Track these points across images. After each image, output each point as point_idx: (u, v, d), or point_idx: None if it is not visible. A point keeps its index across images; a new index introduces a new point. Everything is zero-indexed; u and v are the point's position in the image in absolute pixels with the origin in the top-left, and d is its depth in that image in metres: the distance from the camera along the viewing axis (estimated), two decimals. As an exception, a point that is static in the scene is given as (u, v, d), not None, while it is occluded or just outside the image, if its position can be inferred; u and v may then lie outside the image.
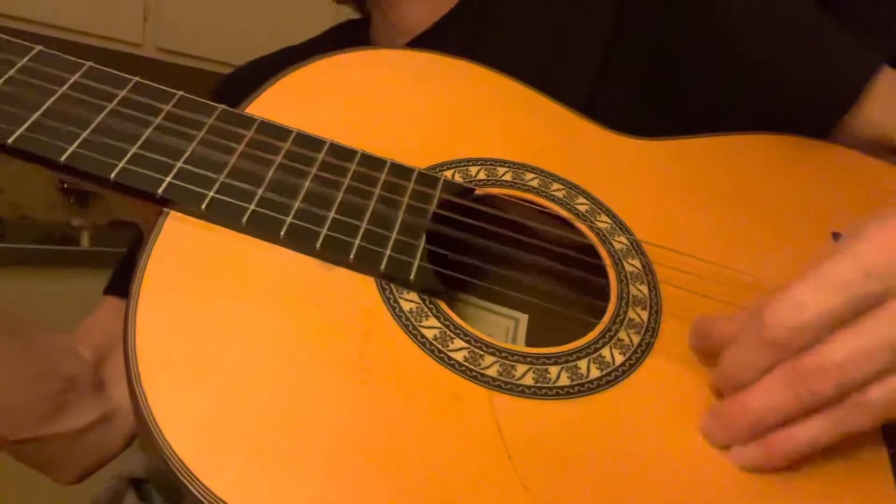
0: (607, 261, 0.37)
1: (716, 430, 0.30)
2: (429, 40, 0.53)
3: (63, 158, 0.32)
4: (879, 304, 0.27)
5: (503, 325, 0.44)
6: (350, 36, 0.60)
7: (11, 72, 0.34)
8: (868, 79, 0.42)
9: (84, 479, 0.49)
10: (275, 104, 0.39)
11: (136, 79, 0.36)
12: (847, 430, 0.28)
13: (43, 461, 0.46)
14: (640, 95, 0.49)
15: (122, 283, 0.54)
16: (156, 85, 0.36)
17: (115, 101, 0.35)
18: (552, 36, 0.51)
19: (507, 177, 0.40)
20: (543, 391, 0.31)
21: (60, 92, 0.34)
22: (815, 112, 0.44)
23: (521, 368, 0.31)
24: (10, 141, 0.31)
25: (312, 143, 0.36)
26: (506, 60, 0.45)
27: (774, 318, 0.28)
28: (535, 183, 0.40)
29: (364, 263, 0.32)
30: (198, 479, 0.25)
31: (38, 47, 0.36)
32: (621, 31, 0.49)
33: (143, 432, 0.26)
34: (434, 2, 0.54)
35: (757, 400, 0.29)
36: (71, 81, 0.35)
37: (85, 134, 0.33)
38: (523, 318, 0.44)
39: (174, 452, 0.25)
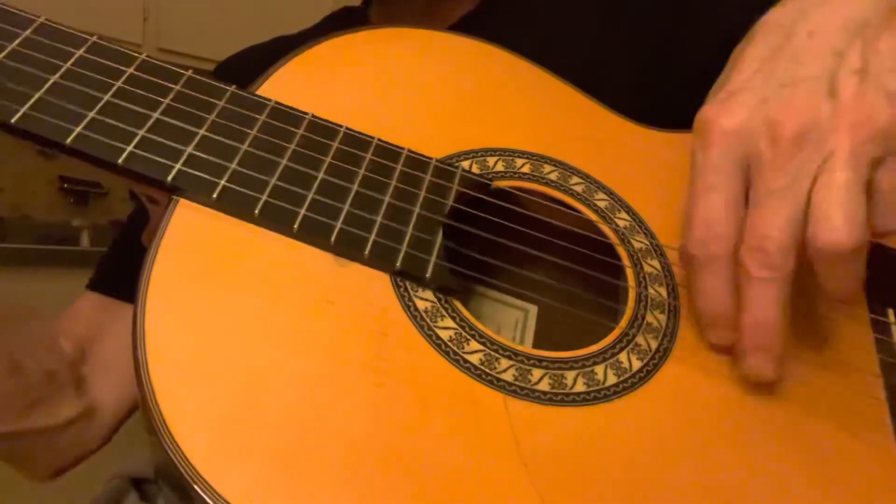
0: (626, 262, 0.36)
1: (748, 365, 0.31)
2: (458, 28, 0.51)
3: (69, 141, 0.30)
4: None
5: (513, 316, 0.43)
6: (344, 24, 0.58)
7: (13, 44, 0.32)
8: None
9: (58, 477, 0.47)
10: (288, 84, 0.37)
11: (144, 56, 0.34)
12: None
13: (17, 456, 0.44)
14: (641, 68, 0.48)
15: (104, 280, 0.52)
16: (163, 64, 0.34)
17: (122, 79, 0.33)
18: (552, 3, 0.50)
19: (526, 168, 0.38)
20: (559, 397, 0.30)
21: (65, 68, 0.32)
22: None
23: (536, 373, 0.31)
24: (13, 120, 0.30)
25: (326, 129, 0.35)
26: (512, 34, 0.44)
27: (689, 243, 0.31)
28: (553, 176, 0.38)
29: (379, 260, 0.31)
30: (210, 486, 0.24)
31: (41, 18, 0.34)
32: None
33: (152, 434, 0.26)
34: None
35: (755, 302, 0.29)
36: (76, 56, 0.33)
37: (92, 114, 0.31)
38: (533, 310, 0.43)
39: (186, 458, 0.25)
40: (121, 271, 0.52)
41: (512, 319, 0.43)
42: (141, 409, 0.27)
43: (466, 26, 0.52)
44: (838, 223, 0.27)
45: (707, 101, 0.32)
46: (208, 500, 0.24)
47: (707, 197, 0.30)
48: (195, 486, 0.24)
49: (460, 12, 0.52)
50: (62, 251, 1.60)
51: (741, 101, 0.30)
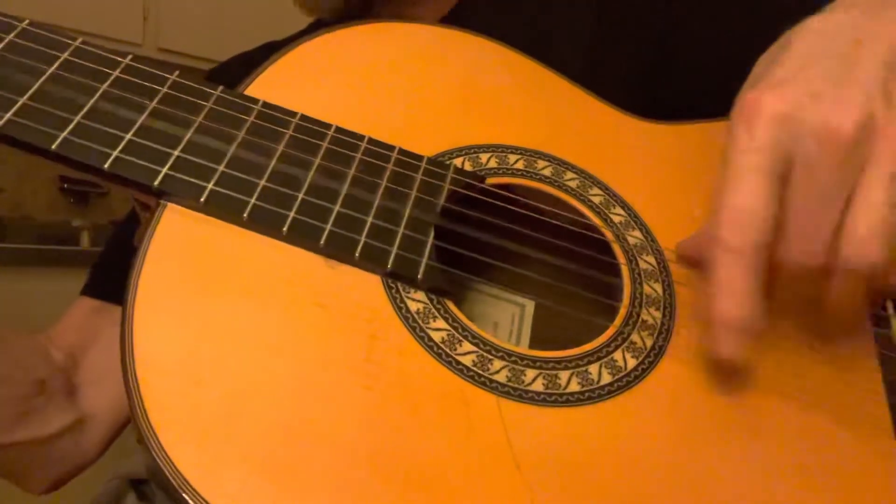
0: (621, 258, 0.36)
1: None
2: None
3: (54, 146, 0.30)
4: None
5: (509, 312, 0.43)
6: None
7: (-3, 49, 0.32)
8: None
9: (55, 490, 0.46)
10: (277, 83, 0.37)
11: (128, 59, 0.34)
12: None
13: (9, 469, 0.43)
14: (641, 56, 0.47)
15: (96, 284, 0.52)
16: (148, 68, 0.34)
17: (107, 83, 0.33)
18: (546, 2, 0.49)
19: (519, 165, 0.38)
20: (553, 398, 0.30)
21: (49, 72, 0.32)
22: None
23: (530, 374, 0.30)
24: (-4, 128, 0.30)
25: (316, 129, 0.35)
26: (503, 24, 0.43)
27: (724, 230, 0.28)
28: (547, 171, 0.38)
29: (370, 262, 0.31)
30: (198, 493, 0.24)
31: (25, 21, 0.33)
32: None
33: (141, 441, 0.26)
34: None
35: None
36: (60, 60, 0.33)
37: (77, 119, 0.31)
38: (530, 305, 0.43)
39: (173, 464, 0.25)
40: (113, 274, 0.51)
41: (508, 315, 0.42)
42: (130, 416, 0.26)
43: (460, 16, 0.51)
44: (872, 243, 0.26)
45: (749, 88, 0.30)
46: None
47: (748, 179, 0.28)
48: (183, 494, 0.24)
49: (441, 11, 0.52)
50: (62, 251, 1.60)
51: (792, 90, 0.28)
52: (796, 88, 0.28)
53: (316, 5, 0.52)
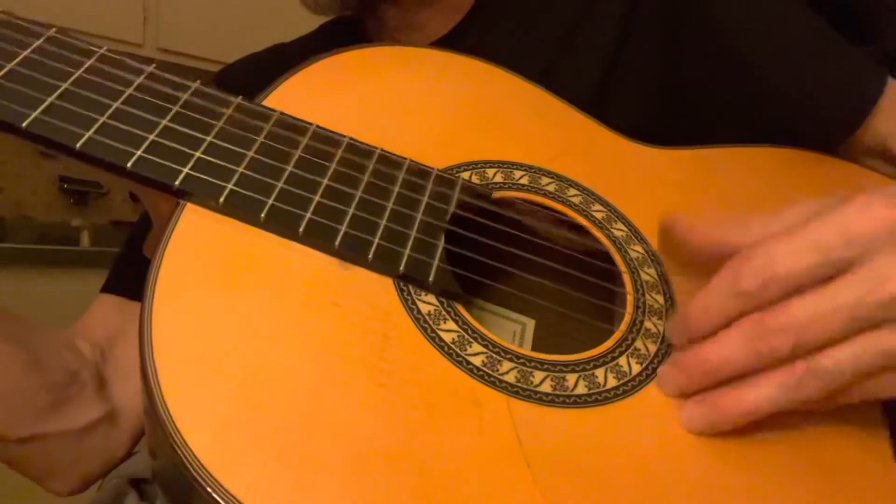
0: (623, 269, 0.37)
1: (671, 377, 0.31)
2: (447, 43, 0.52)
3: (79, 145, 0.31)
4: (848, 270, 0.27)
5: (510, 329, 0.43)
6: (344, 31, 0.59)
7: (26, 52, 0.33)
8: (881, 92, 0.42)
9: (86, 489, 0.45)
10: (293, 97, 0.38)
11: (152, 67, 0.35)
12: (796, 396, 0.28)
13: (42, 465, 0.42)
14: (650, 95, 0.49)
15: (119, 281, 0.52)
16: (170, 76, 0.35)
17: (132, 88, 0.34)
18: (563, 32, 0.51)
19: (524, 180, 0.39)
20: (561, 399, 0.31)
21: (77, 75, 0.33)
22: (828, 127, 0.44)
23: (538, 375, 0.31)
24: (24, 124, 0.31)
25: (330, 139, 0.36)
26: (514, 54, 0.45)
27: (749, 269, 0.28)
28: (551, 188, 0.39)
29: (383, 263, 0.32)
30: (216, 481, 0.24)
31: (53, 29, 0.35)
32: (631, 31, 0.49)
33: (157, 430, 0.26)
34: (452, 6, 0.53)
35: (716, 350, 0.29)
36: (87, 65, 0.34)
37: (103, 119, 0.32)
38: (530, 323, 0.43)
39: (192, 452, 0.25)
40: (134, 272, 0.51)
41: (509, 333, 0.43)
42: (146, 406, 0.27)
43: (456, 40, 0.52)
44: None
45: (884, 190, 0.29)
46: (213, 495, 0.24)
47: (802, 244, 0.28)
48: (199, 480, 0.24)
49: (449, 25, 0.53)
50: (62, 251, 1.57)
51: None
52: None
53: (315, 2, 0.53)
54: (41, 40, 0.34)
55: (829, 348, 0.28)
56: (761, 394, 0.29)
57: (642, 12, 0.49)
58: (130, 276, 0.51)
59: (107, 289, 0.51)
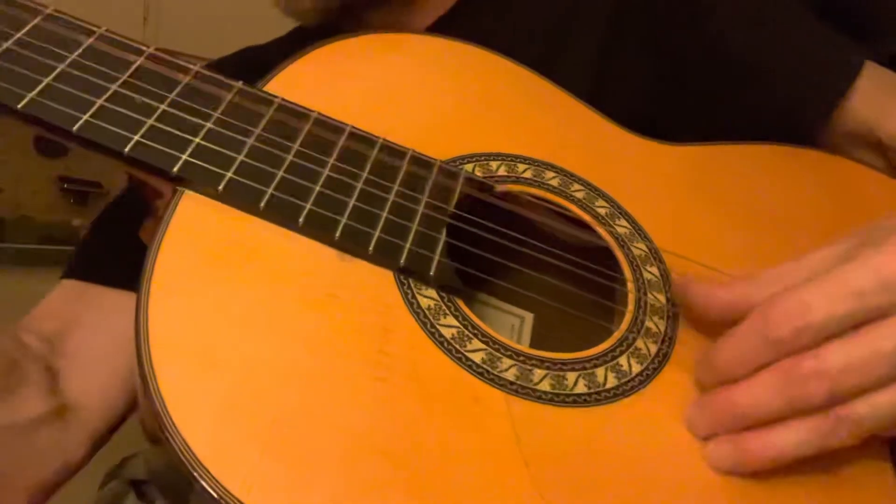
0: (625, 267, 0.36)
1: (699, 420, 0.30)
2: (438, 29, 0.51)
3: (76, 128, 0.30)
4: (885, 315, 0.27)
5: (508, 323, 0.43)
6: (319, 32, 0.57)
7: (22, 32, 0.32)
8: (857, 72, 0.42)
9: (44, 502, 0.39)
10: (294, 83, 0.37)
11: (151, 49, 0.34)
12: (827, 443, 0.28)
13: None
14: (643, 84, 0.48)
15: (83, 266, 0.48)
16: (171, 58, 0.34)
17: (130, 71, 0.33)
18: (555, 20, 0.50)
19: (528, 174, 0.39)
20: (561, 398, 0.30)
21: (73, 57, 0.32)
22: (806, 107, 0.44)
23: (538, 373, 0.31)
24: (20, 105, 0.30)
25: (332, 127, 0.35)
26: (508, 43, 0.44)
27: (781, 316, 0.28)
28: (555, 182, 0.39)
29: (383, 256, 0.32)
30: (211, 474, 0.24)
31: (50, 8, 0.34)
32: (622, 20, 0.49)
33: (152, 423, 0.25)
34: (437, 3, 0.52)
35: (747, 395, 0.29)
36: (84, 46, 0.33)
37: (100, 102, 0.31)
38: (529, 317, 0.43)
39: (187, 445, 0.24)
40: (99, 254, 0.48)
41: (508, 326, 0.43)
42: (141, 398, 0.26)
43: (450, 25, 0.51)
44: None
45: None
46: (207, 488, 0.24)
47: (836, 289, 0.27)
48: (194, 473, 0.24)
49: (433, 17, 0.52)
50: (62, 251, 1.56)
51: None
52: None
53: (292, 8, 0.51)
54: (38, 18, 0.33)
55: (865, 395, 0.27)
56: (790, 439, 0.28)
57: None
58: (92, 259, 0.48)
59: (70, 274, 0.47)
